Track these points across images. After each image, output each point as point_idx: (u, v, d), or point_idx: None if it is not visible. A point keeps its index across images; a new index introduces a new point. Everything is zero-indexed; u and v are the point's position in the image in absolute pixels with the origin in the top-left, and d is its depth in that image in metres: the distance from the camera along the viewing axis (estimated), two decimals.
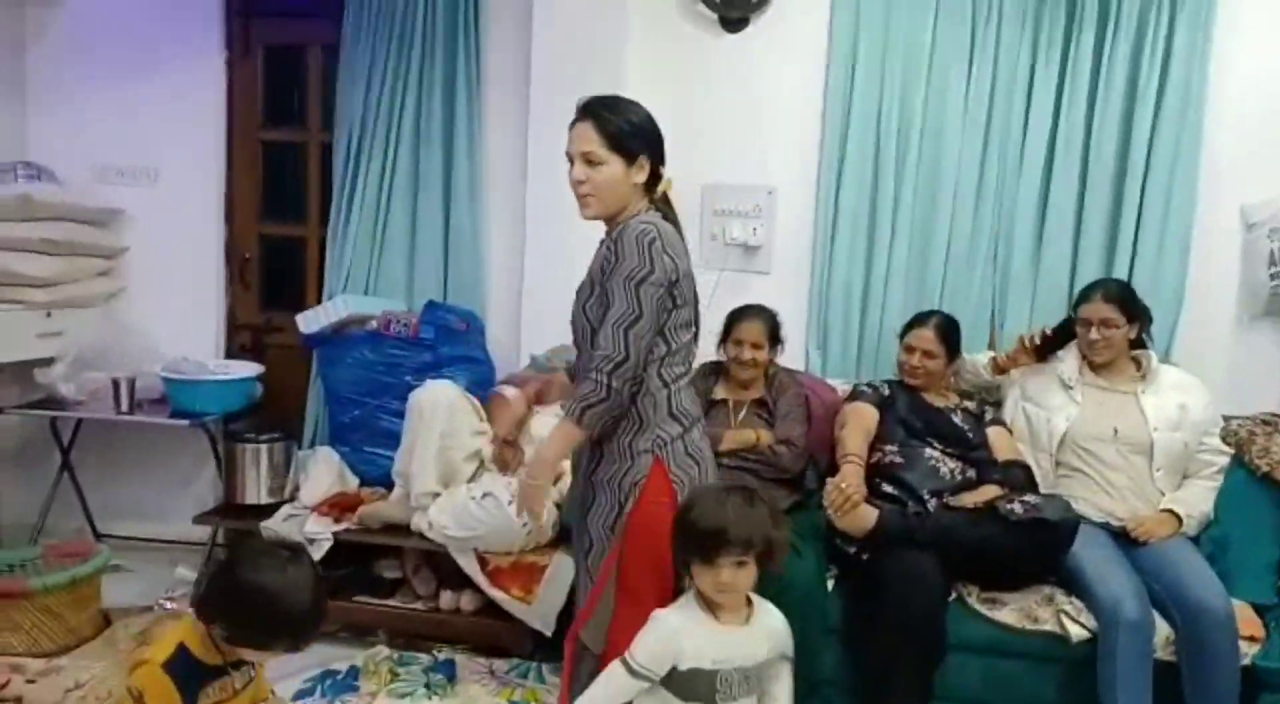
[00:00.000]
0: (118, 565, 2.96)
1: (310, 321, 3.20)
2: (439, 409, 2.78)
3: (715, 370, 2.90)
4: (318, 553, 2.79)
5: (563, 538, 2.77)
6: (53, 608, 2.68)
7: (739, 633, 1.70)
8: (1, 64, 3.48)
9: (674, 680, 1.67)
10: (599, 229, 3.15)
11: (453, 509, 2.70)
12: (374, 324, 3.17)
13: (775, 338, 2.82)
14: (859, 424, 2.55)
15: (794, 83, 3.15)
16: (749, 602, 1.74)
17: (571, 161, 1.91)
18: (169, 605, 2.99)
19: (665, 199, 2.01)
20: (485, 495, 2.68)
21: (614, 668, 1.68)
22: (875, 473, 2.49)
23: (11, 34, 3.51)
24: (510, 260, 3.31)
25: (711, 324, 2.89)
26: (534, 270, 3.23)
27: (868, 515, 2.28)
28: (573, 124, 1.92)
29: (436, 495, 2.75)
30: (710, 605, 1.69)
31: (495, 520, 2.63)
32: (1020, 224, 3.01)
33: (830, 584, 2.40)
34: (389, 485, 3.03)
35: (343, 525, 2.88)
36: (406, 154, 3.30)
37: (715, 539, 1.62)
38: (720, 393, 2.85)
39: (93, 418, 3.28)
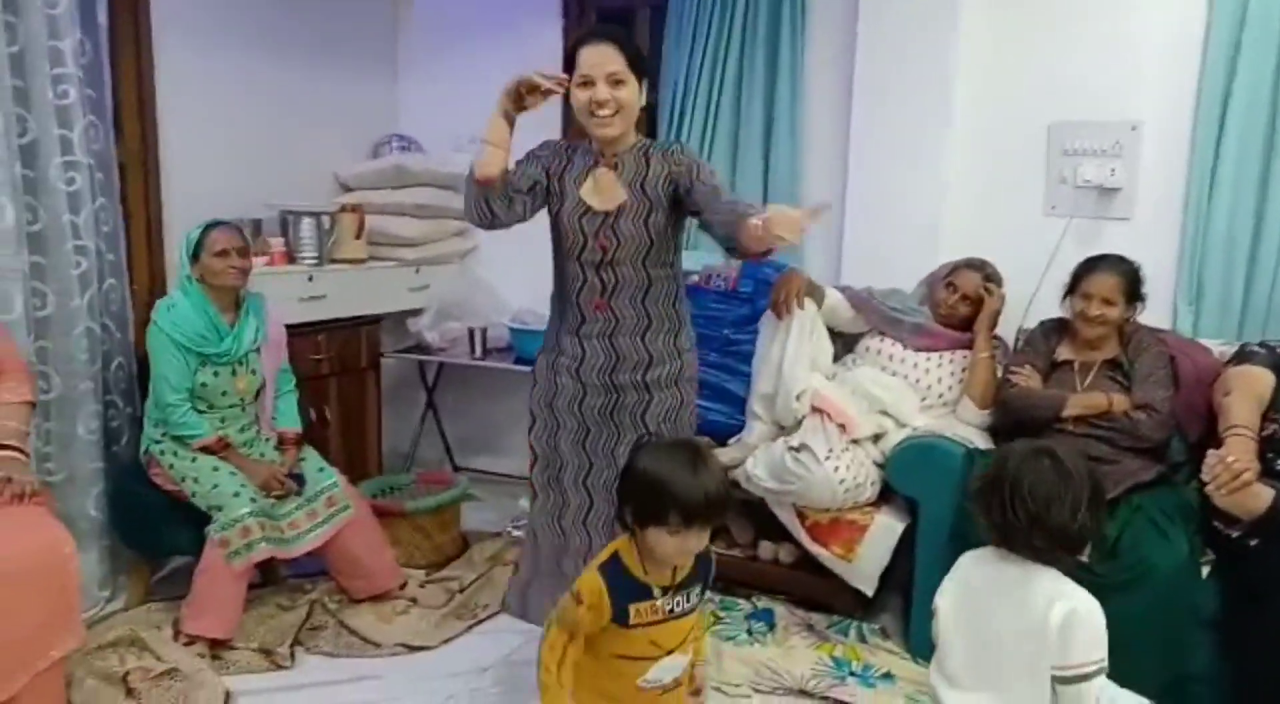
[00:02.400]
0: (472, 495, 3.30)
1: None
2: (809, 314, 2.75)
3: (1059, 328, 2.64)
4: None
5: (884, 498, 2.68)
6: (424, 527, 3.07)
7: None
8: (378, 46, 3.93)
9: None
10: (925, 189, 2.98)
11: (769, 462, 2.70)
12: (694, 278, 3.23)
13: (1133, 293, 2.50)
14: (1249, 390, 2.18)
15: (1167, 3, 2.75)
16: None
17: (589, 84, 1.95)
18: (515, 533, 3.29)
19: None
20: (801, 448, 2.64)
21: None
22: (1269, 448, 2.13)
23: (385, 18, 3.95)
24: (829, 219, 3.22)
25: (1056, 275, 2.64)
26: (855, 223, 3.13)
27: (1261, 496, 1.95)
28: (583, 47, 1.96)
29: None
30: None
31: (811, 475, 2.60)
32: None
33: (1205, 571, 2.11)
34: (709, 434, 3.09)
35: None
36: (728, 110, 3.32)
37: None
38: (1065, 353, 2.59)
39: (452, 362, 3.68)
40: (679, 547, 1.53)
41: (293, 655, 2.48)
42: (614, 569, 1.57)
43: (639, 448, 1.73)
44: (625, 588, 1.56)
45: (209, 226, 2.62)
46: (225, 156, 3.25)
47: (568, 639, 1.55)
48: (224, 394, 2.63)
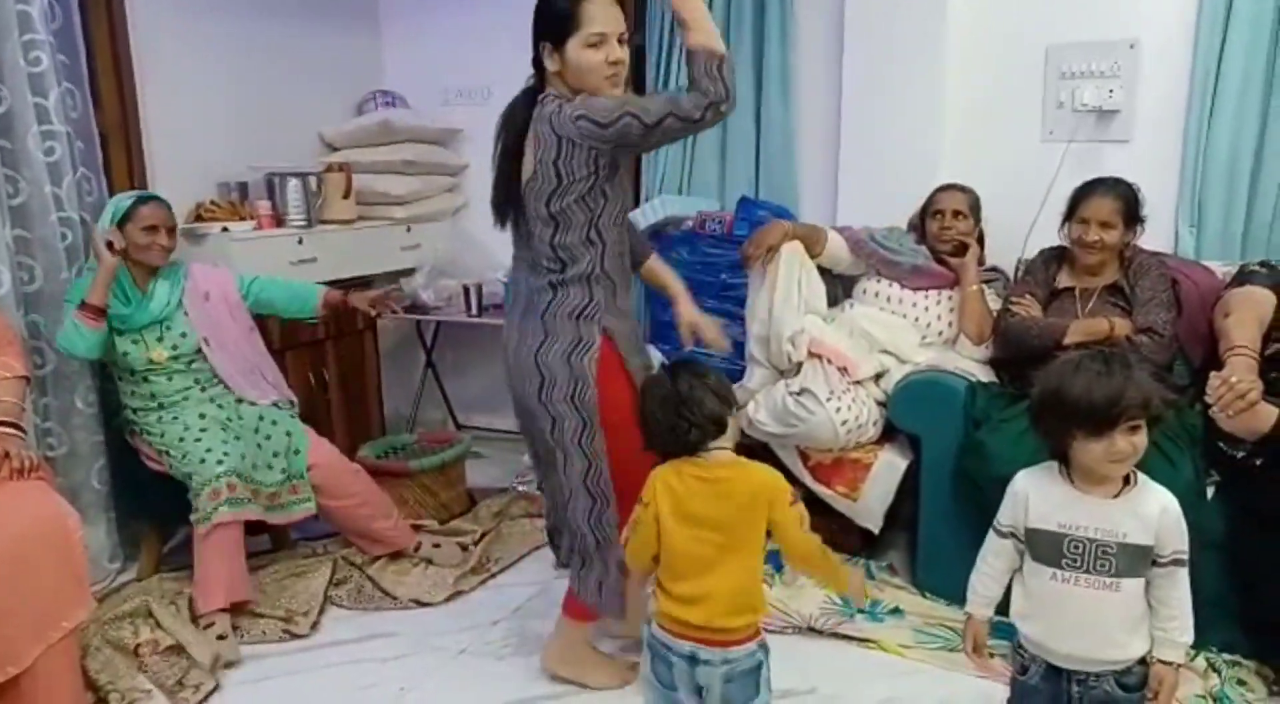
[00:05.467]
0: (477, 452, 3.30)
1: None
2: (795, 257, 2.70)
3: (1059, 255, 2.61)
4: None
5: (887, 436, 2.68)
6: (429, 486, 3.08)
7: (1099, 503, 1.54)
8: (358, 0, 3.84)
9: (1028, 539, 1.61)
10: (921, 119, 2.91)
11: (770, 406, 2.69)
12: (689, 224, 3.20)
13: (1132, 216, 2.46)
14: (1252, 311, 2.15)
15: None
16: (1127, 478, 1.56)
17: (600, 44, 1.84)
18: (520, 488, 3.30)
19: None
20: (802, 391, 2.63)
21: (990, 532, 1.68)
22: (1271, 367, 2.11)
23: None
24: (823, 154, 3.18)
25: (1056, 203, 2.60)
26: (849, 158, 3.08)
27: (1265, 415, 1.93)
28: (589, 1, 1.83)
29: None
30: (1079, 475, 1.56)
31: (813, 417, 2.58)
32: None
33: (1209, 492, 2.10)
34: None
35: None
36: None
37: (1111, 407, 1.47)
38: (1065, 280, 2.57)
39: (449, 320, 3.66)
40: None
41: (316, 624, 2.49)
42: None
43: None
44: None
45: (141, 200, 2.56)
46: (206, 120, 3.20)
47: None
48: (149, 362, 2.56)
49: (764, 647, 1.66)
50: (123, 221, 2.51)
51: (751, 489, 1.64)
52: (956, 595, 2.44)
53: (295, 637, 2.43)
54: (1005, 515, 1.65)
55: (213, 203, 3.13)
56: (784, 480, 1.66)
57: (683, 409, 1.62)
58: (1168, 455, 2.16)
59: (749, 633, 1.64)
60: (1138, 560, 1.53)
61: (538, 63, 1.93)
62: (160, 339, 2.58)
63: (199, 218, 3.07)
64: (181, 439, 2.50)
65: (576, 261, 1.94)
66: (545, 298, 1.98)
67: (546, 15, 1.89)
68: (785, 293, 2.69)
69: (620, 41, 1.87)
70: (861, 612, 2.43)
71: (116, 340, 2.52)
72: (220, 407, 2.63)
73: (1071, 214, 2.50)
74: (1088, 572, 1.54)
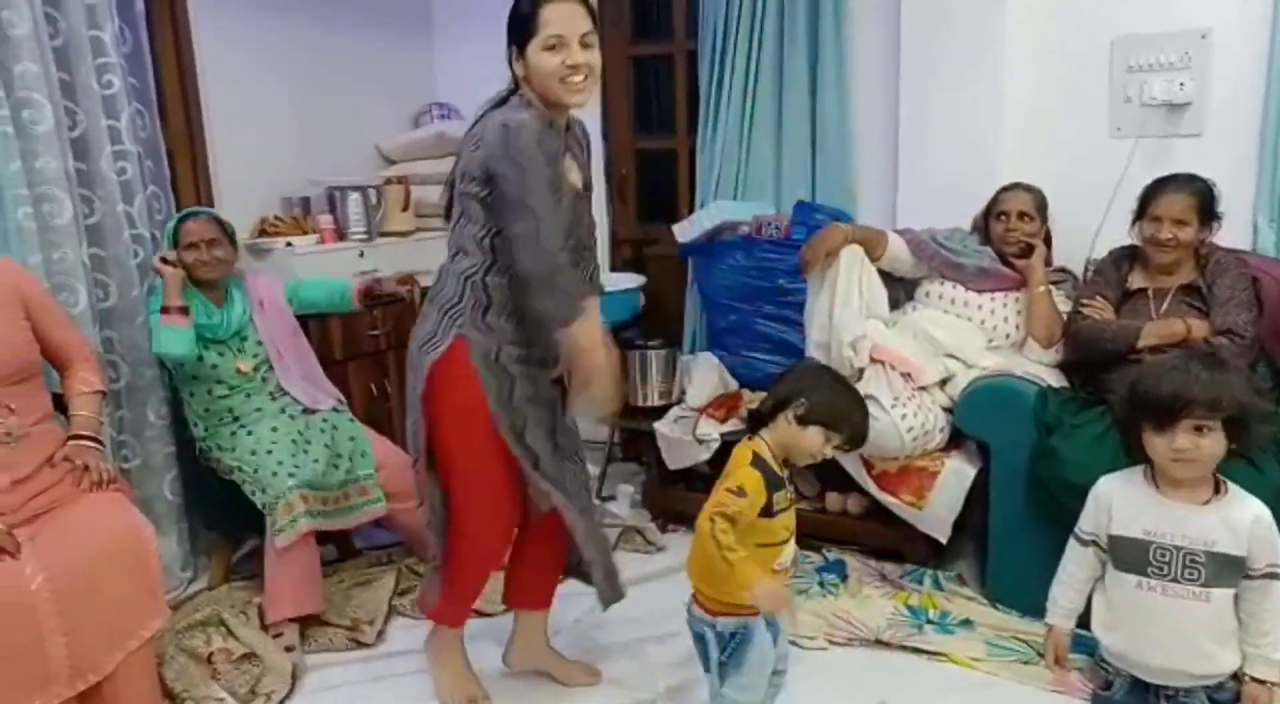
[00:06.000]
0: None
1: (686, 231, 3.28)
2: (855, 260, 2.67)
3: (1130, 255, 2.52)
4: (707, 453, 2.90)
5: (954, 442, 2.62)
6: None
7: (1187, 509, 1.49)
8: (412, 14, 3.89)
9: (1111, 547, 1.57)
10: (982, 116, 2.84)
11: None
12: (746, 229, 3.17)
13: (1207, 212, 2.37)
14: None
15: None
16: (1218, 487, 1.51)
17: (559, 47, 1.78)
18: None
19: None
20: (866, 398, 2.58)
21: (1071, 540, 1.66)
22: None
23: None
24: (881, 154, 3.13)
25: (1125, 201, 2.53)
26: (909, 157, 3.03)
27: None
28: (547, 3, 1.78)
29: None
30: (1162, 479, 1.52)
31: (877, 424, 2.53)
32: None
33: None
34: (768, 388, 3.06)
35: (729, 426, 2.96)
36: (770, 54, 3.21)
37: (1174, 401, 1.44)
38: (1137, 281, 2.48)
39: None
40: (824, 444, 1.76)
41: (381, 633, 2.51)
42: (760, 464, 1.75)
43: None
44: (771, 479, 1.74)
45: (184, 217, 2.62)
46: (269, 136, 3.28)
47: (729, 526, 1.66)
48: (237, 371, 2.63)
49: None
50: (176, 242, 2.58)
51: (729, 471, 1.77)
52: (1029, 606, 2.40)
53: (361, 645, 2.46)
54: (1087, 522, 1.61)
55: (276, 218, 3.19)
56: (743, 479, 1.72)
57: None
58: (1251, 460, 2.08)
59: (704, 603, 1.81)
60: (1229, 570, 1.47)
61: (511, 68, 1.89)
62: (240, 352, 2.65)
63: (263, 233, 3.14)
64: (253, 452, 2.54)
65: (466, 255, 1.90)
66: (435, 285, 1.99)
67: (511, 18, 1.86)
68: (845, 297, 2.65)
69: (585, 44, 1.80)
70: (931, 623, 2.38)
71: (205, 354, 2.59)
72: (291, 418, 2.67)
73: (1143, 212, 2.42)
74: (1175, 580, 1.49)
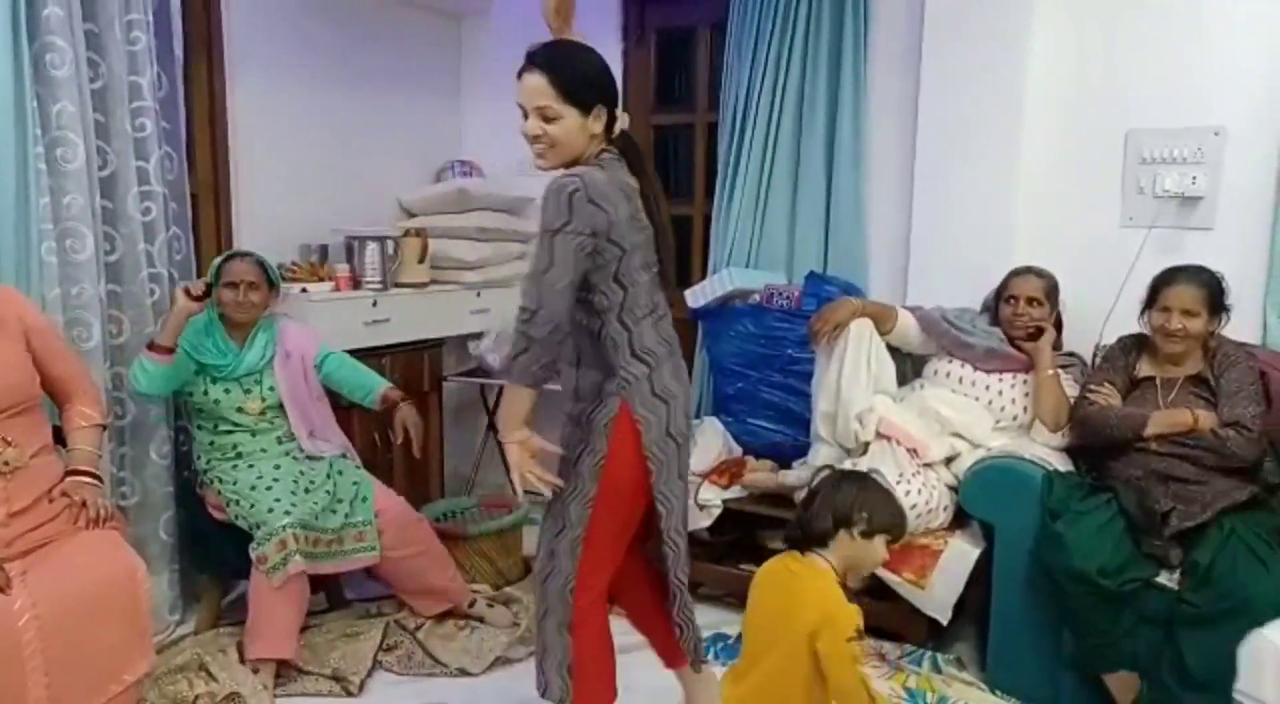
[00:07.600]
0: (534, 519, 3.27)
1: (698, 296, 3.30)
2: (864, 333, 2.69)
3: (1138, 343, 2.53)
4: (708, 519, 2.88)
5: (958, 522, 2.59)
6: (486, 552, 3.06)
7: None
8: (442, 74, 3.99)
9: None
10: (996, 198, 2.88)
11: None
12: (757, 297, 3.20)
13: (1216, 304, 2.38)
14: None
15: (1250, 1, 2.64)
16: None
17: (524, 112, 1.83)
18: None
19: (626, 137, 1.93)
20: (871, 472, 2.57)
21: None
22: None
23: (449, 48, 4.02)
24: (894, 230, 3.16)
25: (1135, 290, 2.54)
26: (921, 239, 3.06)
27: None
28: (521, 73, 1.83)
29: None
30: None
31: None
32: None
33: None
34: (771, 456, 3.05)
35: (731, 493, 2.93)
36: (789, 130, 3.27)
37: None
38: (1145, 369, 2.48)
39: None
40: (885, 552, 1.74)
41: (363, 685, 2.47)
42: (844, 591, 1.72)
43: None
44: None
45: (230, 256, 2.67)
46: (293, 185, 3.33)
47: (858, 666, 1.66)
48: (238, 410, 2.64)
49: None
50: (219, 277, 2.62)
51: (806, 601, 1.67)
52: (1031, 694, 2.35)
53: (348, 694, 2.42)
54: None
55: (294, 263, 3.23)
56: (853, 617, 1.64)
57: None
58: (1259, 557, 2.05)
59: None
60: None
61: None
62: (249, 392, 2.66)
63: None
64: (253, 487, 2.54)
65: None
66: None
67: None
68: (853, 370, 2.66)
69: (545, 117, 1.80)
70: None
71: (210, 387, 2.61)
72: (295, 460, 2.68)
73: (1153, 302, 2.43)
74: None
